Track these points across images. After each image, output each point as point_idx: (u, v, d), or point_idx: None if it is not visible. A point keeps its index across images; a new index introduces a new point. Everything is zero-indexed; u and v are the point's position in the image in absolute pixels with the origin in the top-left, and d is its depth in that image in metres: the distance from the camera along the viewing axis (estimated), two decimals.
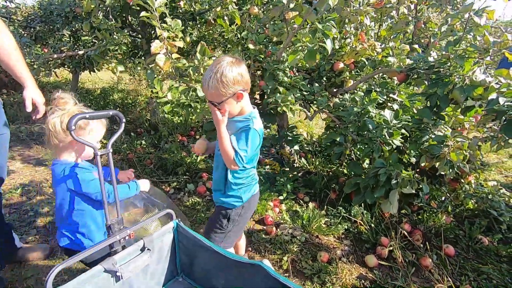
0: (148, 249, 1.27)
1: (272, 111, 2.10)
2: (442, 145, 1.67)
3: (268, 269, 1.16)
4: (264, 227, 2.40)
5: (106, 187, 1.33)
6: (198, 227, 2.39)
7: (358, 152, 2.13)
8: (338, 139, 1.87)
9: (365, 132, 1.78)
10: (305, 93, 2.12)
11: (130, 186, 1.44)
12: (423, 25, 2.87)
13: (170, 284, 1.44)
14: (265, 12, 2.59)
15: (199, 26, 4.08)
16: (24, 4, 4.98)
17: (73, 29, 3.38)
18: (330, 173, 3.20)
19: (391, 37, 2.14)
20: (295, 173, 3.17)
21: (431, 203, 2.77)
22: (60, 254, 1.99)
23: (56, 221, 1.39)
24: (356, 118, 1.82)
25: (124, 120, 1.22)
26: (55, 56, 3.07)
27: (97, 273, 1.09)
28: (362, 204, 2.50)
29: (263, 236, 2.29)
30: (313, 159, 3.41)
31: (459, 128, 2.30)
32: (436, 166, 1.74)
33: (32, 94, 1.53)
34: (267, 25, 2.55)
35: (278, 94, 1.87)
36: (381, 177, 1.61)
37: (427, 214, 2.50)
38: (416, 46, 2.53)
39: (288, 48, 1.74)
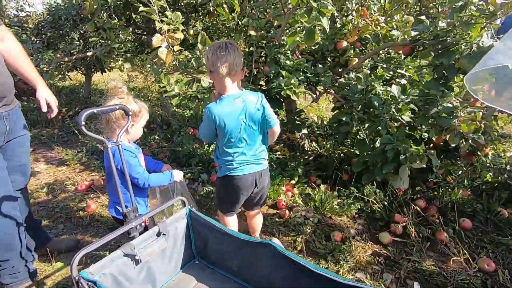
0: (163, 234, 1.34)
1: (278, 96, 2.10)
2: (451, 117, 1.63)
3: (278, 247, 1.20)
4: (278, 211, 2.44)
5: (144, 175, 1.48)
6: (213, 214, 2.46)
7: (366, 131, 2.11)
8: (344, 119, 1.86)
9: (371, 110, 1.76)
10: (309, 75, 2.11)
11: (165, 174, 1.59)
12: None
13: (187, 266, 1.51)
14: None
15: (202, 17, 4.08)
16: (34, 12, 5.14)
17: (81, 32, 3.47)
18: (342, 155, 3.19)
19: (392, 9, 2.06)
20: (306, 157, 3.17)
21: (447, 178, 2.72)
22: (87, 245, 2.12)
23: (108, 193, 1.62)
24: (361, 96, 1.80)
25: (130, 113, 1.27)
26: (66, 59, 3.18)
27: (117, 257, 1.17)
28: (375, 183, 2.49)
29: (277, 219, 2.34)
30: (324, 142, 3.39)
31: (472, 100, 2.23)
32: (447, 139, 1.70)
33: (44, 95, 1.61)
34: (268, 10, 2.52)
35: (281, 78, 1.87)
36: (389, 153, 1.59)
37: (443, 189, 2.46)
38: (423, 17, 2.43)
39: (287, 31, 1.73)
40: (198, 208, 1.91)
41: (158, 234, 1.34)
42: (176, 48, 1.73)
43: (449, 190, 2.46)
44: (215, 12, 3.52)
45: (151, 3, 1.57)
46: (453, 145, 1.66)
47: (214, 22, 4.11)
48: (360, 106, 1.81)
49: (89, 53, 3.25)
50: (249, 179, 1.64)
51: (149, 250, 1.27)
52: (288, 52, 1.85)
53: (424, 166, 1.73)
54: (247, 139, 1.57)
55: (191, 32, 3.68)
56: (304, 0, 1.39)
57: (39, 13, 5.15)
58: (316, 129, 3.87)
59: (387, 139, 1.65)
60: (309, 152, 3.28)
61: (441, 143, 2.39)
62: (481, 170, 2.49)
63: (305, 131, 2.51)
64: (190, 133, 4.14)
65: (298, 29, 1.58)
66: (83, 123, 1.07)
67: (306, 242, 2.07)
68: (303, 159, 3.09)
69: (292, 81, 1.83)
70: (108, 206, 1.66)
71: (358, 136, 2.24)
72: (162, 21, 1.97)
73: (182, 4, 3.54)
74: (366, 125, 1.75)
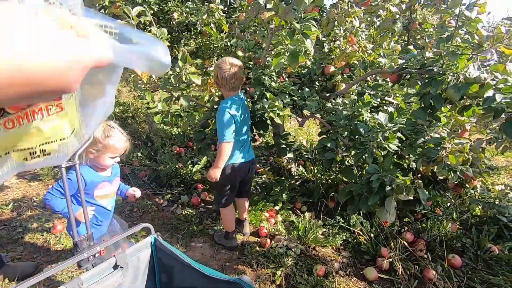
0: (120, 267, 1.19)
1: (263, 118, 2.02)
2: (439, 148, 1.56)
3: (247, 286, 1.07)
4: (259, 239, 2.30)
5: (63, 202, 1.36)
6: (189, 240, 2.29)
7: (353, 159, 2.03)
8: (329, 145, 1.78)
9: (357, 137, 1.69)
10: (295, 98, 2.05)
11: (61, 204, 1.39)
12: (418, 26, 2.80)
13: None
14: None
15: (194, 37, 4.09)
16: None
17: None
18: (329, 181, 3.09)
19: (379, 36, 2.06)
20: (293, 182, 3.07)
21: (436, 210, 2.63)
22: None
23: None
24: (347, 122, 1.74)
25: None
26: None
27: None
28: (361, 213, 2.38)
29: (257, 248, 2.19)
30: (312, 167, 3.31)
31: (459, 130, 2.19)
32: (434, 171, 1.63)
33: None
34: (257, 31, 2.51)
35: (265, 100, 1.80)
36: (374, 184, 1.50)
37: (431, 222, 2.36)
38: (411, 47, 2.45)
39: (272, 52, 1.69)
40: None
41: (115, 267, 1.18)
42: None
43: (438, 222, 2.36)
44: (207, 32, 3.52)
45: (129, 17, 1.51)
46: (441, 177, 1.58)
47: (208, 42, 4.11)
48: (346, 132, 1.73)
49: None
50: (246, 166, 2.03)
51: (101, 286, 1.11)
52: (273, 73, 1.79)
53: (411, 198, 1.63)
54: (246, 132, 1.94)
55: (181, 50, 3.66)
56: (283, 22, 1.35)
57: None
58: (304, 153, 3.79)
59: (373, 169, 1.56)
60: (296, 177, 3.18)
61: (429, 174, 2.32)
62: (469, 203, 2.41)
63: (290, 155, 2.42)
64: (176, 151, 4.01)
65: (283, 50, 1.54)
66: None
67: (287, 276, 1.92)
68: (289, 184, 2.98)
69: (276, 103, 1.76)
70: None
71: (346, 163, 2.16)
72: None
73: (174, 23, 3.54)
74: (352, 152, 1.67)
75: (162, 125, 4.84)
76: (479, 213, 2.49)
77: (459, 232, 2.34)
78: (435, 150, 1.54)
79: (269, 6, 1.36)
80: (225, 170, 1.95)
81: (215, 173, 1.88)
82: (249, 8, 1.50)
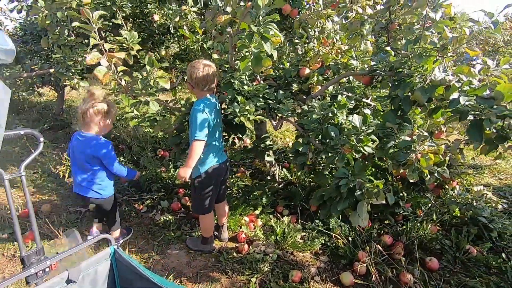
0: (73, 282, 1.14)
1: (237, 122, 1.98)
2: (409, 151, 1.54)
3: None
4: (237, 245, 2.26)
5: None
6: (166, 247, 2.24)
7: (323, 163, 2.01)
8: (301, 149, 1.75)
9: (328, 140, 1.66)
10: (270, 101, 2.01)
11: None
12: (397, 27, 2.78)
13: None
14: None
15: (177, 39, 4.04)
16: (5, 26, 5.01)
17: (44, 48, 3.35)
18: (312, 183, 3.06)
19: (348, 38, 2.05)
20: (275, 185, 3.03)
21: (418, 211, 2.62)
22: None
23: (76, 179, 1.97)
24: (317, 125, 1.71)
25: (41, 139, 1.11)
26: (25, 74, 3.01)
27: None
28: (340, 216, 2.35)
29: (234, 255, 2.15)
30: (296, 170, 3.28)
31: (436, 132, 2.18)
32: (406, 174, 1.60)
33: None
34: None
35: (236, 104, 1.77)
36: (342, 188, 1.48)
37: (411, 224, 2.34)
38: (388, 48, 2.43)
39: (241, 54, 1.66)
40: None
41: (68, 281, 1.14)
42: (120, 68, 1.61)
43: (418, 224, 2.35)
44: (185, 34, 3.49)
45: (90, 21, 1.46)
46: (412, 180, 1.56)
47: (191, 45, 4.07)
48: (318, 136, 1.71)
49: (52, 70, 3.10)
50: (223, 167, 2.04)
51: None
52: (243, 77, 1.76)
53: (383, 202, 1.61)
54: (220, 134, 1.97)
55: (163, 53, 3.62)
56: (245, 25, 1.31)
57: (11, 28, 5.03)
58: (290, 156, 3.76)
59: (341, 173, 1.54)
60: (279, 180, 3.14)
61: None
62: (448, 205, 2.40)
63: (269, 158, 2.39)
64: (161, 155, 3.95)
65: (248, 54, 1.51)
66: None
67: (262, 283, 1.88)
68: (272, 187, 2.95)
69: (247, 107, 1.72)
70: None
71: (320, 167, 2.13)
72: (115, 39, 1.87)
73: (155, 25, 3.49)
74: (323, 156, 1.64)
75: (148, 128, 4.78)
76: (458, 214, 2.48)
77: (438, 233, 2.33)
78: (404, 153, 1.52)
79: (228, 9, 1.33)
80: (205, 175, 1.91)
81: (186, 173, 1.79)
82: (209, 10, 1.47)
